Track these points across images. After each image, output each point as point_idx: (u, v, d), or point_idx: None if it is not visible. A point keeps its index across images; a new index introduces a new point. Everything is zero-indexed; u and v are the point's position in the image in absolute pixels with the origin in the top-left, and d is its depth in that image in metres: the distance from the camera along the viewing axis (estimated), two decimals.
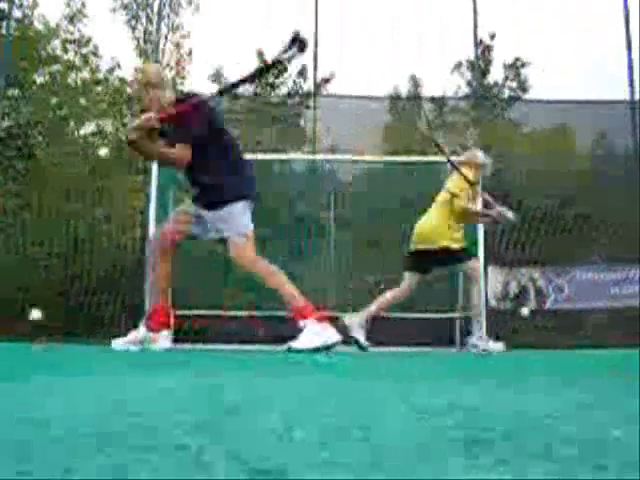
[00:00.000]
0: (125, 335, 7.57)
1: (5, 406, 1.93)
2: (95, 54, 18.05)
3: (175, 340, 13.76)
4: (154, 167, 13.36)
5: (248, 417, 1.69)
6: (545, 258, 15.21)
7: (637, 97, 15.74)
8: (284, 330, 13.87)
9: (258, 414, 1.72)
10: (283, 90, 17.68)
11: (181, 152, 7.08)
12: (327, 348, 7.06)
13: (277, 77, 17.57)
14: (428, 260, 10.27)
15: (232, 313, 14.39)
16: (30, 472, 1.01)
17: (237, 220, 7.39)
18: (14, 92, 17.15)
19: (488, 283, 14.33)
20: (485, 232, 13.53)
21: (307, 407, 1.97)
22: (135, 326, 11.14)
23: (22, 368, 4.38)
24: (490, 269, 14.47)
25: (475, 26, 16.49)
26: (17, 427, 1.48)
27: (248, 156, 15.11)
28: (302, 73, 17.37)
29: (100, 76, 18.13)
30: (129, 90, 7.08)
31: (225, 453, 1.16)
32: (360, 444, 1.29)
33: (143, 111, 7.18)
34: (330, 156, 15.64)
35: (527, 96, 17.86)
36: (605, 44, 15.52)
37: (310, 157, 15.87)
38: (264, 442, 1.29)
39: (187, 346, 13.07)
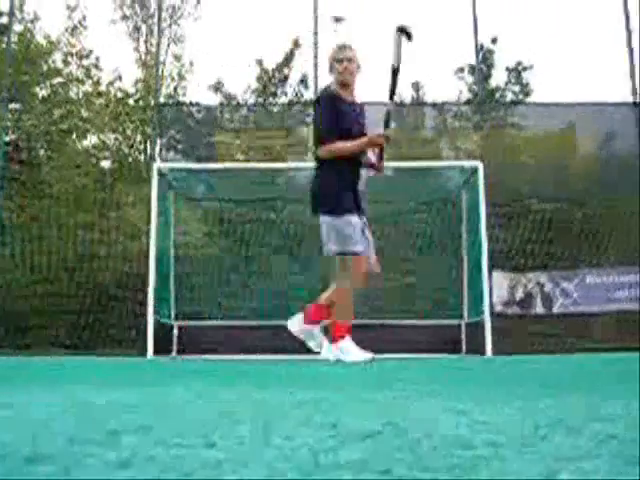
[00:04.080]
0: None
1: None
2: (96, 66, 18.09)
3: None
4: (154, 177, 13.34)
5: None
6: (552, 262, 15.13)
7: None
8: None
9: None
10: (284, 99, 17.67)
11: None
12: None
13: (278, 86, 17.57)
14: None
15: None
16: None
17: None
18: (16, 106, 17.20)
19: (494, 288, 14.26)
20: (489, 237, 13.45)
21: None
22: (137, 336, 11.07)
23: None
24: (495, 274, 14.39)
25: (476, 31, 16.44)
26: None
27: (251, 165, 15.22)
28: (303, 81, 17.35)
29: (102, 88, 18.15)
30: (346, 66, 7.40)
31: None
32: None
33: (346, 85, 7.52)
34: None
35: (530, 99, 17.79)
36: (607, 46, 15.46)
37: (314, 165, 15.83)
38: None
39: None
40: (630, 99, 15.42)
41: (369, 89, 15.66)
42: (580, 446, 1.49)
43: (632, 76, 15.35)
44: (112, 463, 1.25)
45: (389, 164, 15.96)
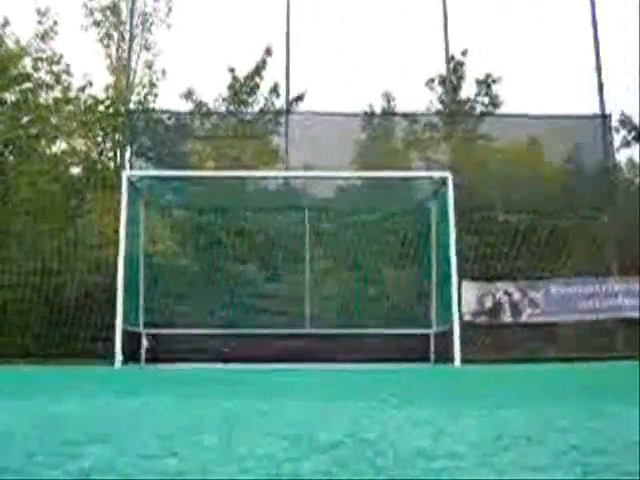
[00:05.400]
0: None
1: None
2: (67, 72, 17.91)
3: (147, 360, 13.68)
4: (124, 185, 13.22)
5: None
6: (520, 272, 15.24)
7: (607, 111, 15.86)
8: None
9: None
10: (255, 108, 17.65)
11: None
12: None
13: (250, 95, 17.55)
14: None
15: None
16: None
17: None
18: None
19: (463, 297, 14.32)
20: (458, 247, 13.51)
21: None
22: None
23: None
24: (464, 284, 14.46)
25: (446, 42, 16.56)
26: None
27: (222, 173, 15.16)
28: (274, 90, 17.34)
29: (72, 94, 17.98)
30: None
31: None
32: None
33: None
34: (304, 173, 15.64)
35: (499, 111, 17.93)
36: (576, 60, 15.64)
37: (285, 174, 15.85)
38: None
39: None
40: (598, 112, 15.63)
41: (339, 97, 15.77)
42: (541, 457, 1.51)
43: (600, 89, 15.55)
44: (73, 474, 1.24)
45: (359, 173, 16.06)
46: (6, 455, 1.50)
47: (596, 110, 15.88)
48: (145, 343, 13.19)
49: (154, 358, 13.60)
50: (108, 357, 12.45)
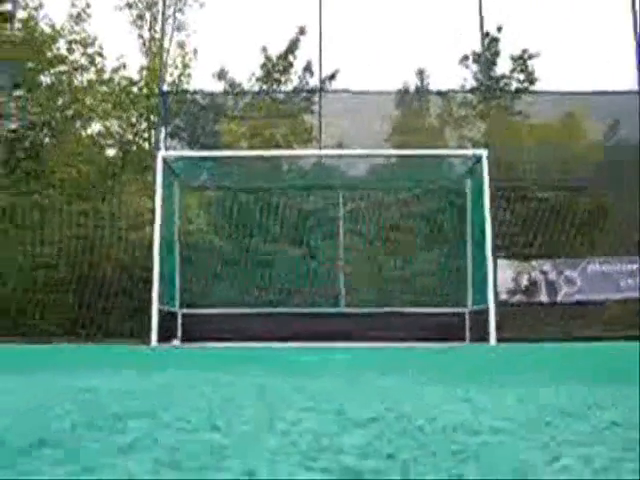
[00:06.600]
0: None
1: None
2: (100, 54, 18.03)
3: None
4: (159, 165, 13.31)
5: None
6: (556, 250, 15.09)
7: None
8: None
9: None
10: (289, 86, 17.62)
11: None
12: None
13: (283, 73, 17.52)
14: None
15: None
16: None
17: None
18: (21, 93, 17.18)
19: (498, 276, 14.22)
20: (493, 225, 13.40)
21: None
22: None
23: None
24: (500, 262, 14.37)
25: (481, 19, 16.36)
26: None
27: (255, 153, 15.19)
28: (308, 69, 17.29)
29: (106, 76, 18.10)
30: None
31: None
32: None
33: None
34: (338, 151, 15.59)
35: (535, 87, 17.72)
36: (613, 34, 15.36)
37: (318, 152, 15.82)
38: None
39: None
40: (636, 87, 15.34)
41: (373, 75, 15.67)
42: (582, 432, 1.50)
43: (638, 64, 15.24)
44: (117, 447, 1.26)
45: (393, 152, 15.99)
46: (46, 428, 1.52)
47: (634, 86, 15.57)
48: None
49: (190, 337, 13.72)
50: (144, 336, 12.59)
